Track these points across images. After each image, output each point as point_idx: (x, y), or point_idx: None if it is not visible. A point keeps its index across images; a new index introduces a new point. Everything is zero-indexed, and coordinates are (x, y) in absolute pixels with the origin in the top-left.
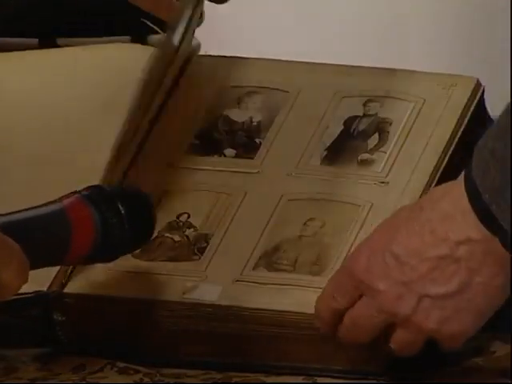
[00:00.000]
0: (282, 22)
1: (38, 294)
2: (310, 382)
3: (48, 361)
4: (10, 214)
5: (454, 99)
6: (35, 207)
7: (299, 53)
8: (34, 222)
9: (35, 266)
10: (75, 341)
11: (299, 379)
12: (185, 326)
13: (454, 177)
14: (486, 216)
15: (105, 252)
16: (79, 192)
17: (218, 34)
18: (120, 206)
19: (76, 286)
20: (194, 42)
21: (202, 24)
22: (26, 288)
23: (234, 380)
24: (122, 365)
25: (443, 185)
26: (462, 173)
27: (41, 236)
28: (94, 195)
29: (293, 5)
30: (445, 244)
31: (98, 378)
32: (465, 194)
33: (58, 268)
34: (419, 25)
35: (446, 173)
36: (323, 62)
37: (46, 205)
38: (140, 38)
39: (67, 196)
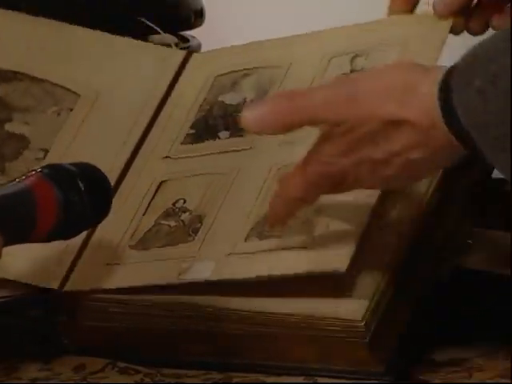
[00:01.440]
0: (282, 22)
1: (38, 294)
2: (311, 382)
3: (49, 361)
4: None
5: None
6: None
7: None
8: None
9: (3, 244)
10: (76, 341)
11: (300, 379)
12: (185, 325)
13: None
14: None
15: (67, 228)
16: (40, 170)
17: (217, 34)
18: (80, 183)
19: (75, 283)
20: (194, 42)
21: (202, 24)
22: (25, 287)
23: (234, 380)
24: (122, 365)
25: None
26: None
27: (7, 215)
28: (55, 173)
29: (293, 5)
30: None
31: (98, 378)
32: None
33: (59, 267)
34: None
35: None
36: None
37: (10, 184)
38: (141, 37)
39: (29, 174)
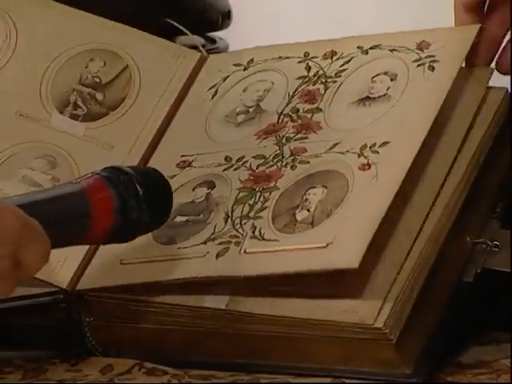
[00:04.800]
0: (307, 22)
1: (61, 294)
2: (339, 383)
3: (76, 362)
4: (31, 193)
5: None
6: (55, 187)
7: None
8: (54, 203)
9: (55, 246)
10: (102, 342)
11: (327, 380)
12: (211, 326)
13: None
14: None
15: (122, 233)
16: (98, 173)
17: (244, 35)
18: (138, 188)
19: (88, 282)
20: (221, 44)
21: (229, 26)
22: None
23: (262, 381)
24: (149, 366)
25: None
26: None
27: (61, 217)
28: (113, 176)
29: (319, 5)
30: None
31: (126, 380)
32: None
33: (76, 267)
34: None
35: None
36: None
37: (66, 185)
38: (168, 39)
39: (86, 176)
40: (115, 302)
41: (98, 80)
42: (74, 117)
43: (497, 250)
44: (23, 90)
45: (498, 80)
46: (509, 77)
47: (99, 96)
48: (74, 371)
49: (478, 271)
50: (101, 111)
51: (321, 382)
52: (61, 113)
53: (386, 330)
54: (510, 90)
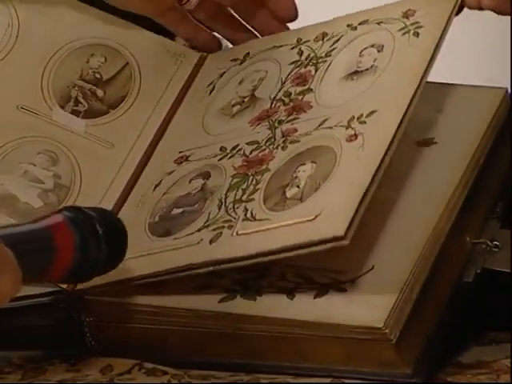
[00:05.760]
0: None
1: (61, 294)
2: (339, 383)
3: (76, 362)
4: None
5: None
6: (19, 224)
7: None
8: (20, 236)
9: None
10: (102, 342)
11: (327, 381)
12: (211, 326)
13: None
14: None
15: (81, 271)
16: (59, 211)
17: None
18: (98, 227)
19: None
20: (222, 43)
21: None
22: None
23: (261, 381)
24: (149, 366)
25: None
26: None
27: (26, 250)
28: (73, 215)
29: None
30: None
31: (126, 380)
32: None
33: None
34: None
35: None
36: None
37: (29, 222)
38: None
39: (49, 214)
40: (115, 302)
41: (98, 76)
42: (75, 112)
43: (497, 250)
44: (25, 83)
45: (499, 80)
46: (509, 77)
47: (100, 93)
48: (74, 371)
49: (478, 271)
50: (102, 108)
51: (321, 382)
52: (62, 108)
53: (386, 330)
54: (509, 89)
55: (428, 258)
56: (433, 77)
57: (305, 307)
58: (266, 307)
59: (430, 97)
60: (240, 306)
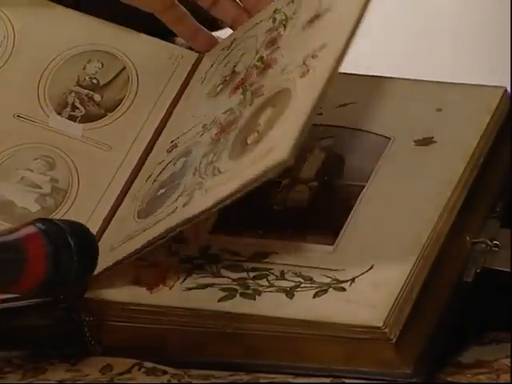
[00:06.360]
0: None
1: (62, 295)
2: (339, 383)
3: (75, 362)
4: None
5: None
6: None
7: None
8: None
9: None
10: (102, 341)
11: (327, 380)
12: (211, 326)
13: None
14: None
15: (53, 282)
16: (31, 223)
17: None
18: (69, 239)
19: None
20: None
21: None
22: None
23: (261, 381)
24: (149, 365)
25: None
26: None
27: None
28: (45, 227)
29: None
30: None
31: (125, 379)
32: None
33: None
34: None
35: None
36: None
37: (3, 234)
38: (165, 39)
39: (20, 226)
40: (115, 302)
41: (95, 81)
42: (72, 118)
43: (497, 249)
44: (21, 92)
45: (498, 80)
46: (509, 76)
47: (97, 97)
48: (74, 371)
49: (478, 271)
50: (99, 112)
51: (321, 382)
52: (59, 114)
53: (386, 330)
54: (509, 89)
55: (428, 258)
56: (433, 76)
57: (304, 307)
58: (266, 307)
59: (430, 96)
60: (239, 305)
